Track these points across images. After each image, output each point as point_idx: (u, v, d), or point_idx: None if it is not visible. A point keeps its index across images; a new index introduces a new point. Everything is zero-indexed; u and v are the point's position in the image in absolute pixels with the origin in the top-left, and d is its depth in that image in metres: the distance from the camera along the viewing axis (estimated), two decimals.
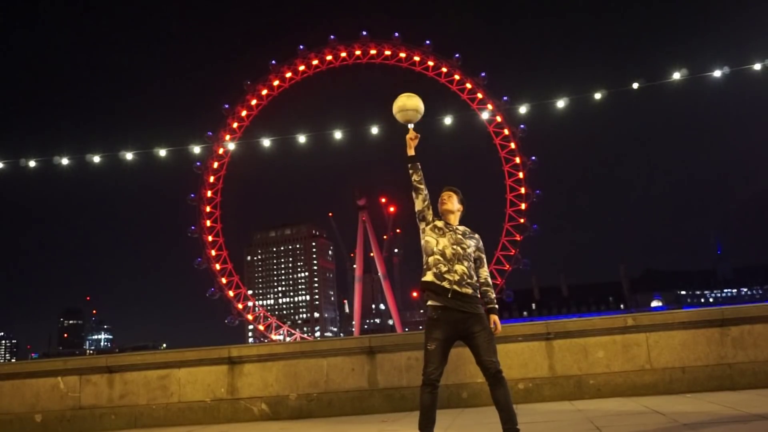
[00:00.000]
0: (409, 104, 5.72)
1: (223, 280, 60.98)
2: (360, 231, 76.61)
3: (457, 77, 59.93)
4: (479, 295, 5.44)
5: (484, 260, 5.62)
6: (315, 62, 62.55)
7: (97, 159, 33.69)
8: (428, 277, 5.31)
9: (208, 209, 60.53)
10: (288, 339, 66.37)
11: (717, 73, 28.86)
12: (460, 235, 5.47)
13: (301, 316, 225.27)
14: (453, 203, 5.60)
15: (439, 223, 5.52)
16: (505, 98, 57.66)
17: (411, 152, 5.58)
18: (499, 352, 8.45)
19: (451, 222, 5.56)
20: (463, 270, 5.29)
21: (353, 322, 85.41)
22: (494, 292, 5.65)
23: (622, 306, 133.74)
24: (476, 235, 5.62)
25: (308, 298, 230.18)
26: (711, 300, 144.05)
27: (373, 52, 61.68)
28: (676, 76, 29.56)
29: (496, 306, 5.54)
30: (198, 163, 59.40)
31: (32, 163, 31.61)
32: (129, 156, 34.27)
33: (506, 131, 58.31)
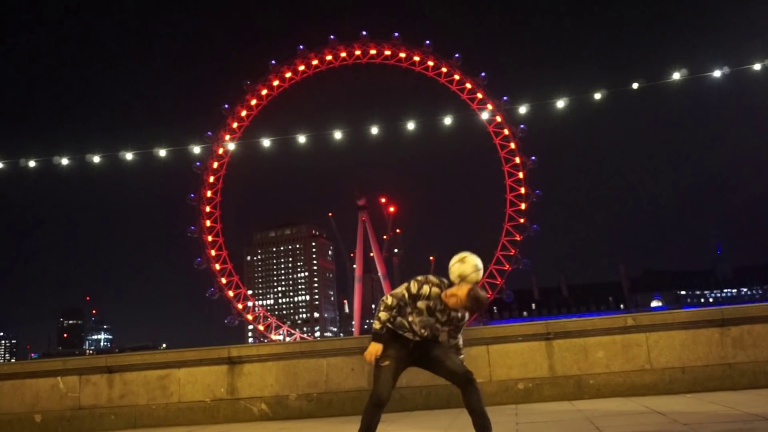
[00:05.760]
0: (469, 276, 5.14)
1: (223, 280, 61.00)
2: (360, 231, 76.45)
3: (457, 77, 59.92)
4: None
5: (461, 334, 5.48)
6: (315, 62, 62.59)
7: (97, 159, 33.76)
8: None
9: (207, 209, 60.56)
10: (288, 339, 66.33)
11: (717, 73, 28.93)
12: (450, 334, 5.37)
13: (300, 316, 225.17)
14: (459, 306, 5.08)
15: (433, 304, 5.14)
16: (505, 98, 57.80)
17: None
18: (499, 351, 8.59)
19: (452, 306, 5.10)
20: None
21: (353, 322, 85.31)
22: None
23: (622, 306, 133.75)
24: (465, 318, 5.27)
25: (308, 298, 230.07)
26: (711, 300, 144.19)
27: (373, 52, 61.69)
28: (676, 76, 29.62)
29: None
30: (198, 163, 59.50)
31: (32, 163, 31.66)
32: (129, 156, 34.34)
33: (506, 131, 58.33)
